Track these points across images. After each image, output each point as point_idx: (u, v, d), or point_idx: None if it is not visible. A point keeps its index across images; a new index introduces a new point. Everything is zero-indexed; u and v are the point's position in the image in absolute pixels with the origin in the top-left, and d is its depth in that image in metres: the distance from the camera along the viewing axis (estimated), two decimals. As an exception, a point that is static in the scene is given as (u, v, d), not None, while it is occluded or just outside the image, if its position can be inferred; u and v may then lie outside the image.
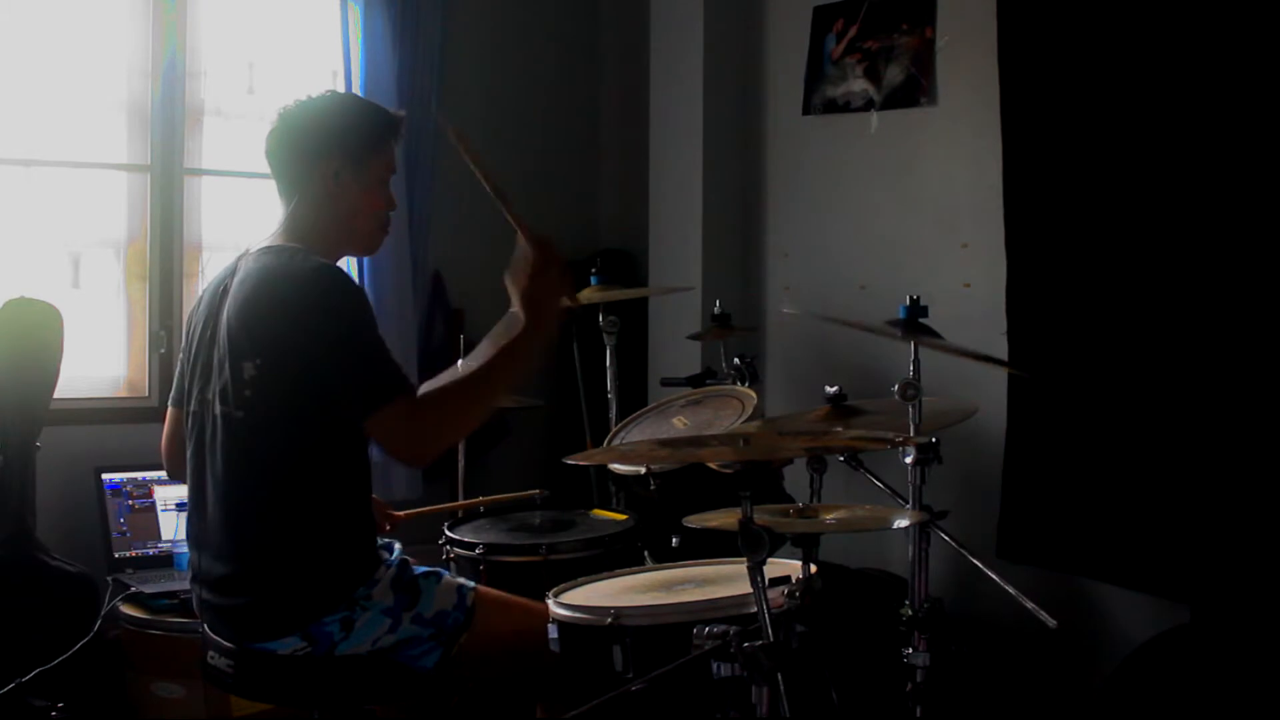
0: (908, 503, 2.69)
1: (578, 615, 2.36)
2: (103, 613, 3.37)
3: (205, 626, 2.41)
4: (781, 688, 2.04)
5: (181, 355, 2.51)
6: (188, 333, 2.49)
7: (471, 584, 2.49)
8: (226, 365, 2.30)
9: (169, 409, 2.58)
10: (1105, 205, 3.31)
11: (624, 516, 3.12)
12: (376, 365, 2.24)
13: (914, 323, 2.70)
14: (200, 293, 2.52)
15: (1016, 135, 3.49)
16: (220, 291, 2.39)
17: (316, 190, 2.44)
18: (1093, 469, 3.35)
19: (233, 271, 2.41)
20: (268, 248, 2.40)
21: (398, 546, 2.51)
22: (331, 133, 2.45)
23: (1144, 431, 3.24)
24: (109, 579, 3.51)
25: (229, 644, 2.34)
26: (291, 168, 2.45)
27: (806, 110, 4.29)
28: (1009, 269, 3.51)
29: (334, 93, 2.60)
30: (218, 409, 2.31)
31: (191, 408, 2.40)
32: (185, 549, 2.49)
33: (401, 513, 2.94)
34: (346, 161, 2.44)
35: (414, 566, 2.45)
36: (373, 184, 2.48)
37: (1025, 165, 3.48)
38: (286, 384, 2.25)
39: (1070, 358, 3.40)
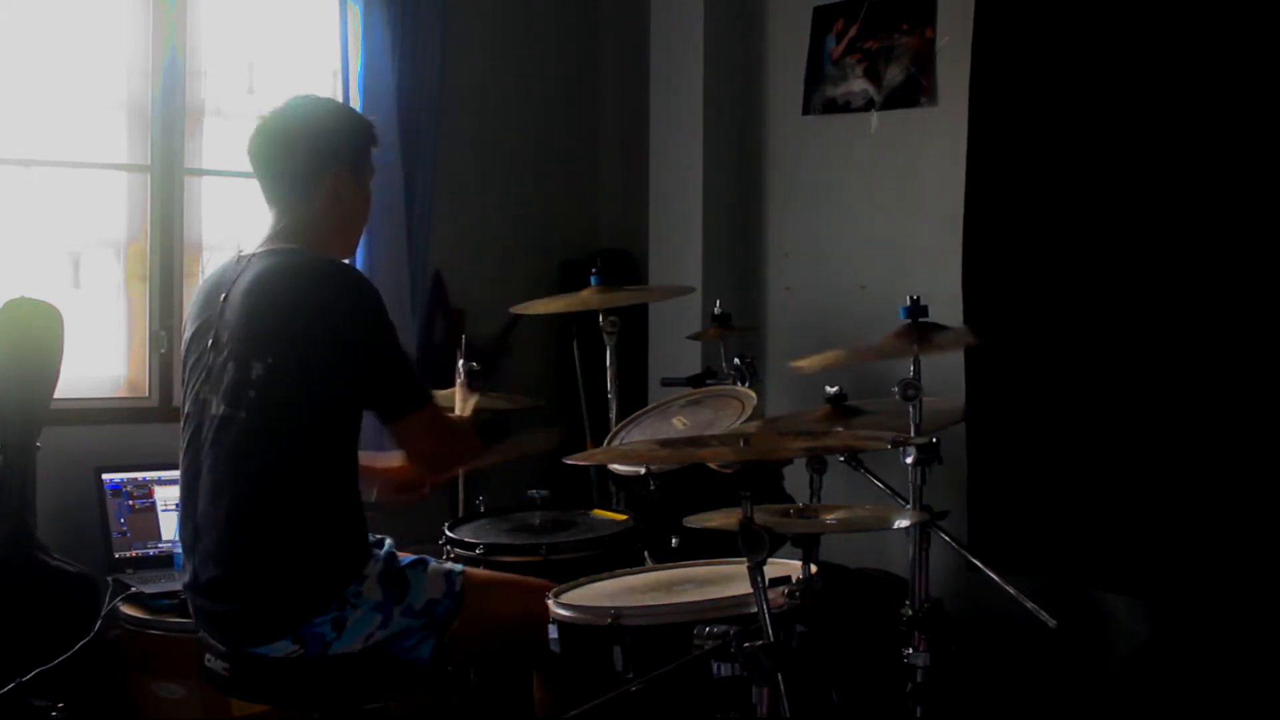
0: (908, 503, 2.69)
1: (578, 615, 2.36)
2: (103, 613, 3.37)
3: (202, 632, 2.41)
4: (781, 688, 2.04)
5: (181, 363, 2.51)
6: (186, 338, 2.48)
7: (460, 568, 2.50)
8: (231, 366, 2.30)
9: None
10: (1070, 202, 3.31)
11: (624, 516, 3.12)
12: (407, 369, 2.39)
13: (915, 323, 2.70)
14: (194, 297, 2.52)
15: (982, 138, 3.50)
16: (219, 295, 2.39)
17: (323, 196, 2.46)
18: (1057, 471, 3.34)
19: (232, 275, 2.40)
20: (273, 250, 2.40)
21: (389, 542, 2.52)
22: (337, 138, 2.50)
23: (1109, 432, 3.24)
24: (109, 579, 3.51)
25: (224, 648, 2.35)
26: (297, 176, 2.46)
27: (806, 110, 4.29)
28: (964, 270, 3.50)
29: (318, 97, 2.65)
30: (219, 410, 2.31)
31: (186, 409, 2.40)
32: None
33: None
34: (348, 166, 2.49)
35: (400, 557, 2.46)
36: (366, 195, 2.56)
37: (986, 174, 3.49)
38: (297, 382, 2.27)
39: (1029, 363, 3.40)
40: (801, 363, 2.78)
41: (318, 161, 2.45)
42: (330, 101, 2.72)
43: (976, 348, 3.44)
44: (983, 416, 3.46)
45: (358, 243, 2.65)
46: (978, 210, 3.50)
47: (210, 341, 2.36)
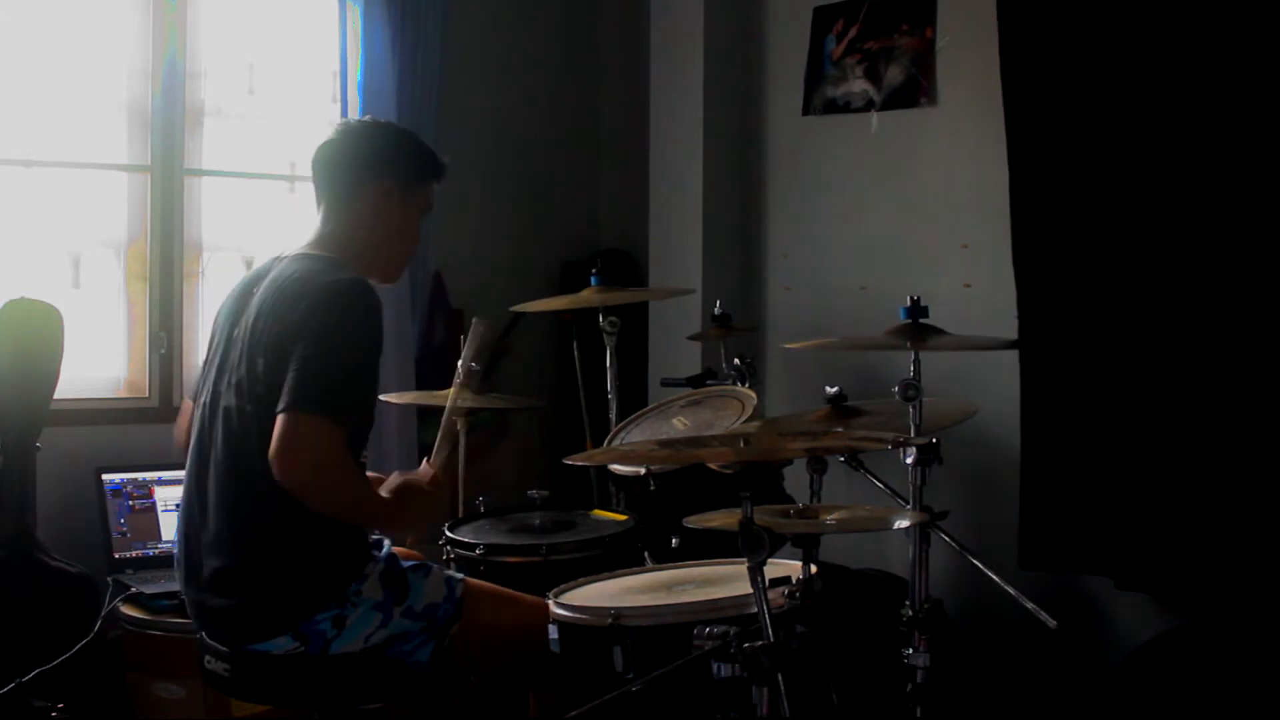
0: (908, 503, 2.69)
1: (578, 616, 2.36)
2: (103, 613, 3.37)
3: (201, 633, 2.41)
4: (781, 688, 2.04)
5: (206, 354, 2.56)
6: (213, 332, 2.54)
7: (460, 576, 2.52)
8: (244, 361, 2.34)
9: (185, 401, 2.62)
10: (1119, 196, 3.22)
11: (624, 517, 3.12)
12: (338, 381, 2.24)
13: (915, 324, 2.71)
14: (228, 294, 2.56)
15: (1021, 133, 3.41)
16: (248, 292, 2.44)
17: (363, 206, 2.50)
18: (1116, 469, 3.27)
19: (264, 274, 2.45)
20: (306, 254, 2.45)
21: (387, 543, 2.53)
22: (391, 154, 2.53)
23: (1170, 430, 3.16)
24: (109, 579, 3.51)
25: (224, 647, 2.35)
26: (343, 179, 2.51)
27: (806, 110, 4.29)
28: (1016, 269, 3.43)
29: (396, 124, 2.72)
30: (230, 402, 2.34)
31: (202, 399, 2.44)
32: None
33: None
34: (397, 184, 2.52)
35: (402, 561, 2.47)
36: (414, 213, 2.57)
37: (1032, 163, 3.40)
38: (283, 379, 2.26)
39: (1084, 356, 3.33)
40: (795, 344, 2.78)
41: (365, 170, 2.50)
42: (406, 129, 2.72)
43: (1033, 345, 3.38)
44: (1039, 413, 3.40)
45: (398, 267, 2.63)
46: (1025, 207, 3.38)
47: (233, 336, 2.41)
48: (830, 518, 2.43)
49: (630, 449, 2.91)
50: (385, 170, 2.51)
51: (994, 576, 2.62)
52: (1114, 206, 3.25)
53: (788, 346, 2.94)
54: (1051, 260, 3.37)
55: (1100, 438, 3.28)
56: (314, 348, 2.25)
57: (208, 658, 2.40)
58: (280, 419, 2.20)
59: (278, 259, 2.48)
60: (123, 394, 4.08)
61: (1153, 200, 3.18)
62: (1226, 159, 3.06)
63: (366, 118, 2.63)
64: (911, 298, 2.71)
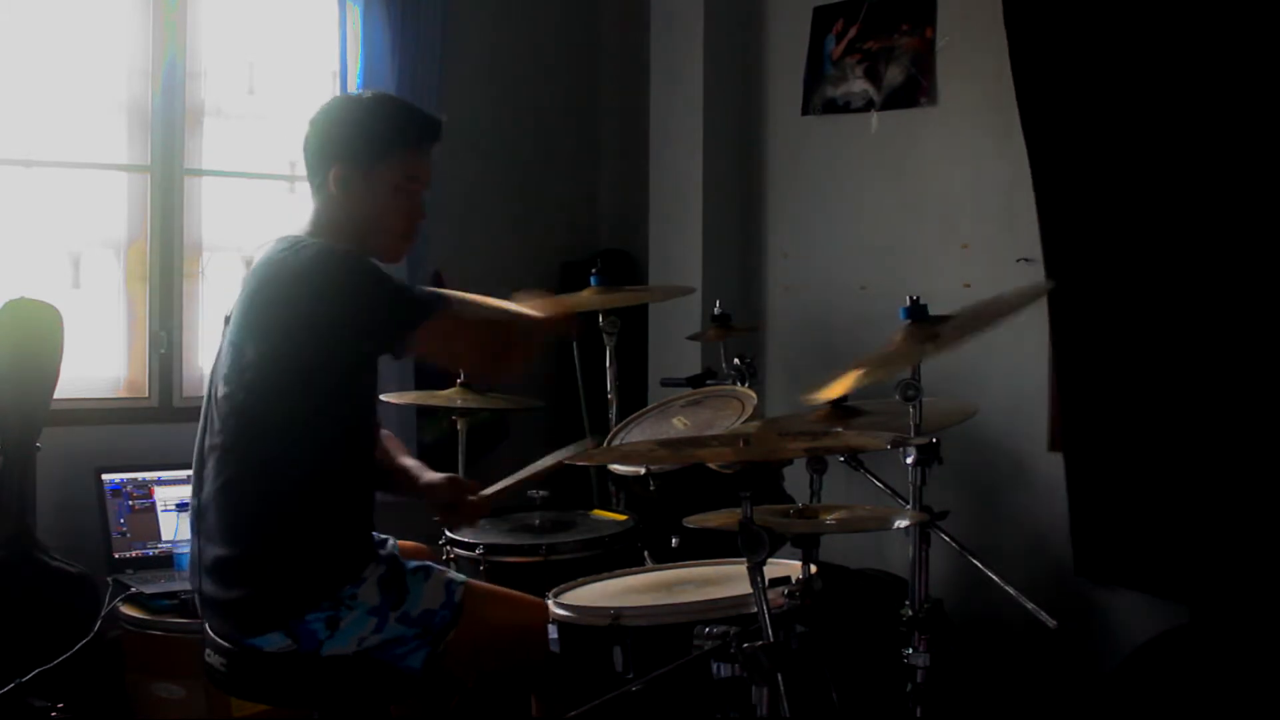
0: (908, 503, 2.69)
1: (578, 615, 2.36)
2: (103, 613, 3.37)
3: (206, 625, 2.42)
4: (781, 688, 2.04)
5: None
6: None
7: (461, 578, 2.47)
8: (232, 349, 2.34)
9: None
10: (1150, 184, 3.14)
11: (624, 517, 3.12)
12: (395, 296, 2.31)
13: (915, 323, 2.70)
14: None
15: (1039, 131, 3.33)
16: (243, 282, 2.44)
17: (327, 188, 2.46)
18: (1159, 478, 3.20)
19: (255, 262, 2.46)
20: (283, 237, 2.42)
21: (392, 542, 2.52)
22: (334, 139, 2.46)
23: (1218, 433, 3.09)
24: (109, 579, 3.51)
25: (222, 640, 2.36)
26: (309, 165, 2.49)
27: (806, 110, 4.29)
28: (1048, 271, 3.38)
29: (351, 96, 2.65)
30: (223, 390, 2.34)
31: (205, 389, 2.45)
32: (185, 549, 2.49)
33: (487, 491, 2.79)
34: (353, 169, 2.43)
35: (405, 562, 2.45)
36: (384, 193, 2.45)
37: (1053, 156, 3.30)
38: (282, 367, 2.28)
39: (1123, 355, 3.25)
40: (814, 395, 2.70)
41: (322, 155, 2.45)
42: (358, 97, 2.62)
43: (1069, 355, 3.32)
44: (1078, 416, 3.35)
45: (395, 245, 2.52)
46: (1051, 200, 3.28)
47: (225, 324, 2.42)
48: (830, 518, 2.43)
49: (630, 449, 2.91)
50: (335, 155, 2.43)
51: (994, 576, 2.62)
52: (1147, 196, 3.17)
53: (804, 398, 2.83)
54: (1084, 258, 3.31)
55: (1142, 444, 3.23)
56: (343, 305, 2.27)
57: (208, 651, 2.41)
58: (414, 351, 2.34)
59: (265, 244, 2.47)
60: (123, 394, 4.08)
61: (1189, 193, 3.09)
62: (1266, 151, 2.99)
63: (330, 100, 2.55)
64: (911, 298, 2.71)
